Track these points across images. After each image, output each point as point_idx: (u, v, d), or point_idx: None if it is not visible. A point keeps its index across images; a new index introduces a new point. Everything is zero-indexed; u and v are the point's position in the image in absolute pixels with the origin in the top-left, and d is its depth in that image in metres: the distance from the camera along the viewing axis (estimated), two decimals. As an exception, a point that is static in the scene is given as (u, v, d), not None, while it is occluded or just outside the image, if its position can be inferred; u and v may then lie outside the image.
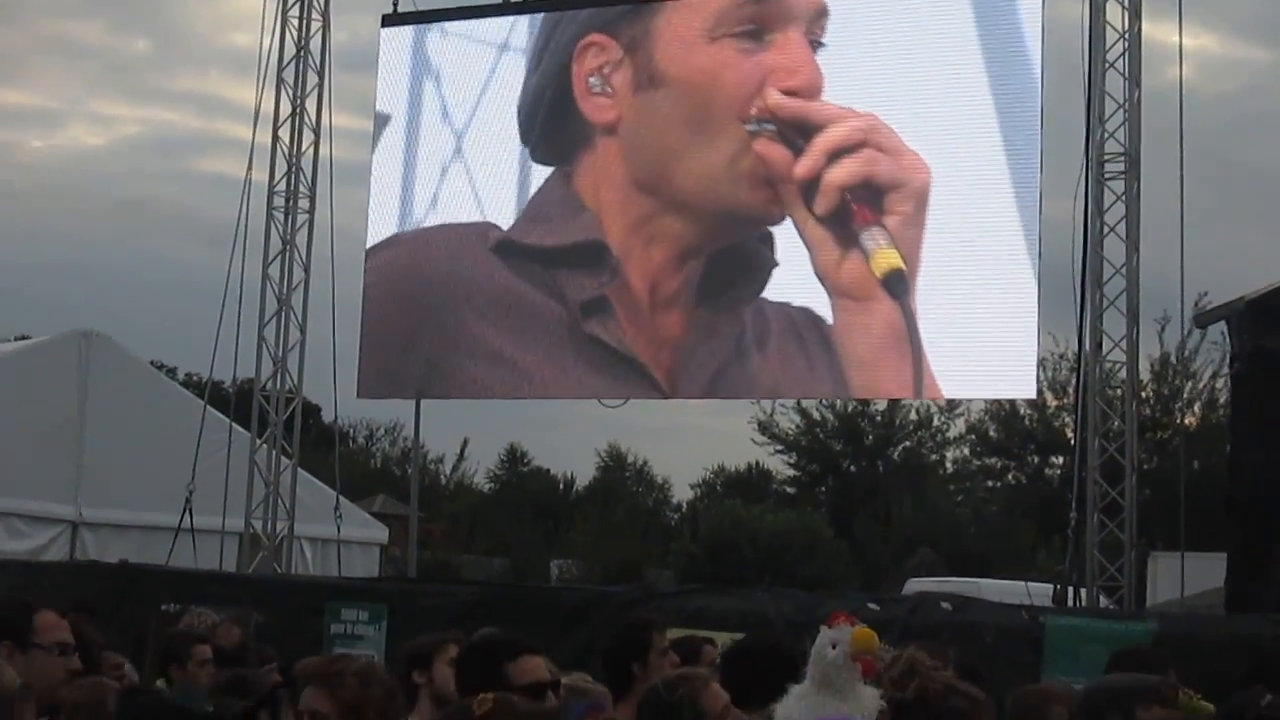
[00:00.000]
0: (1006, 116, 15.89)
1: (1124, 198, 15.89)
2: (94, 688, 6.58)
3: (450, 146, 18.59)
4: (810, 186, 15.96)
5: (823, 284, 16.29)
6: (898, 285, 15.76)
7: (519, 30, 18.32)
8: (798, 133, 16.22)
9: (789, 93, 16.30)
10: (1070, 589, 15.73)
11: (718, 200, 16.82)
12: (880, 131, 15.94)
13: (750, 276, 16.82)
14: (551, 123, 17.80)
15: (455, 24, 18.94)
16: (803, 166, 16.01)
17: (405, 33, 19.13)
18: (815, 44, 16.44)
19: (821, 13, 16.54)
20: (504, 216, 18.02)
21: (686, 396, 18.04)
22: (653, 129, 17.19)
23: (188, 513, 18.70)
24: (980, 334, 15.81)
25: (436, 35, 19.06)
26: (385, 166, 19.03)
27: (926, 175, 15.82)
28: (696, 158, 16.85)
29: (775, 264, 16.57)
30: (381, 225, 18.87)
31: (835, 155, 15.92)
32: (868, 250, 15.71)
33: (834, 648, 5.10)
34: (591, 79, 17.36)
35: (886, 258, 15.67)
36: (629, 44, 17.32)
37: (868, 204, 15.77)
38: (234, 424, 20.54)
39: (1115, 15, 16.16)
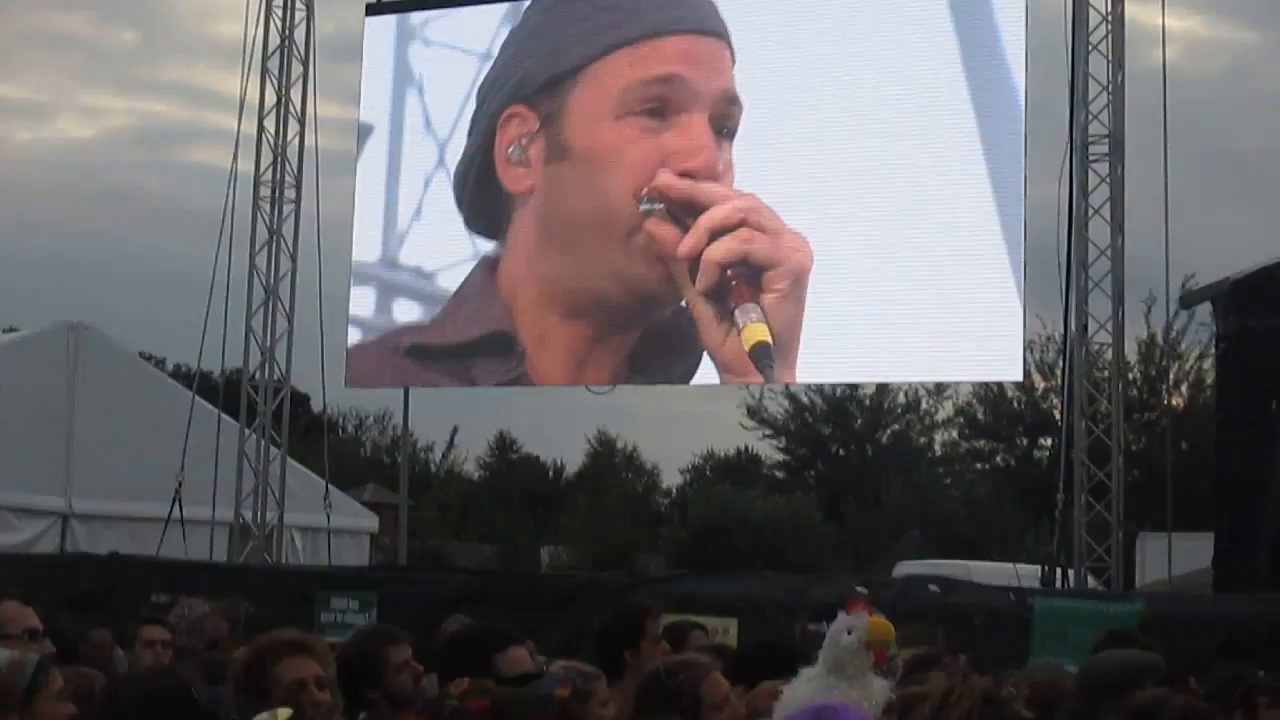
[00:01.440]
0: (990, 99, 15.99)
1: (1108, 180, 15.95)
2: (77, 677, 6.54)
3: (434, 157, 18.71)
4: (694, 264, 16.44)
5: (713, 360, 16.87)
6: (763, 359, 16.27)
7: (500, 38, 18.44)
8: (686, 212, 16.67)
9: (685, 174, 16.74)
10: (1058, 570, 15.80)
11: (619, 276, 17.26)
12: (761, 212, 16.42)
13: (679, 356, 17.33)
14: (479, 191, 18.20)
15: (438, 31, 19.06)
16: (686, 245, 16.51)
17: (388, 41, 19.24)
18: (725, 131, 16.81)
19: (731, 100, 16.89)
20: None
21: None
22: (562, 201, 17.67)
23: (177, 503, 18.73)
24: (967, 317, 15.87)
25: (419, 45, 19.17)
26: (369, 178, 19.16)
27: (806, 256, 16.28)
28: (600, 233, 17.34)
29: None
30: (366, 239, 19.11)
31: (716, 234, 16.39)
32: (739, 324, 16.20)
33: (849, 634, 5.11)
34: (511, 148, 17.80)
35: (754, 332, 16.14)
36: (546, 116, 17.73)
37: (745, 281, 16.25)
38: (223, 414, 20.51)
39: (1098, -2, 16.23)
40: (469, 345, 18.02)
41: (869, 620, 5.11)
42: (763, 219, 16.40)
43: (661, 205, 16.72)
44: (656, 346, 17.40)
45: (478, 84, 18.41)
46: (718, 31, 17.20)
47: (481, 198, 18.15)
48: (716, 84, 17.03)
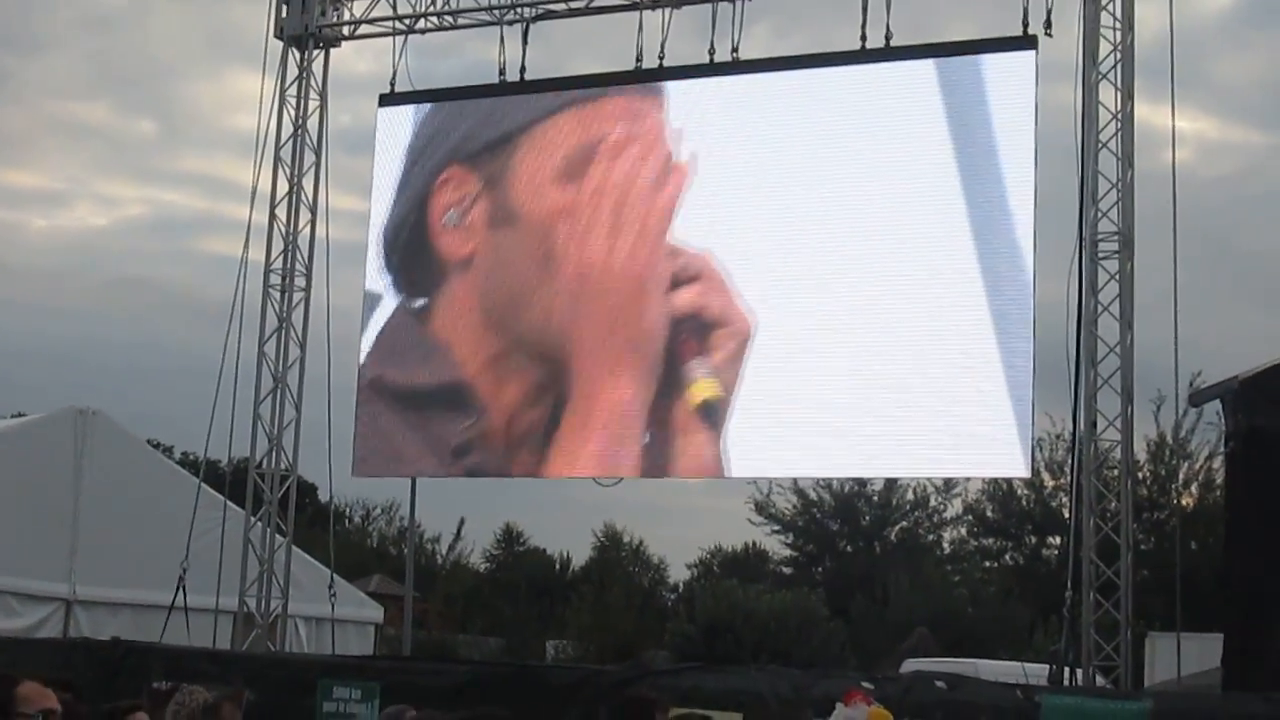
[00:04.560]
0: (1001, 195, 16.01)
1: (1117, 277, 15.93)
2: None
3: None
4: None
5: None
6: (712, 414, 16.57)
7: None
8: None
9: None
10: (1066, 669, 15.66)
11: (561, 342, 17.61)
12: (715, 270, 16.78)
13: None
14: (410, 256, 18.57)
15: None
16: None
17: (402, 131, 19.29)
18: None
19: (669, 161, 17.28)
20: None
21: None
22: (505, 265, 17.98)
23: (181, 590, 18.63)
24: (975, 413, 15.85)
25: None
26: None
27: (749, 325, 16.57)
28: (543, 296, 17.71)
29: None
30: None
31: (674, 286, 16.83)
32: (688, 380, 16.61)
33: (850, 725, 5.09)
34: (449, 213, 18.22)
35: (703, 388, 16.56)
36: (488, 179, 18.14)
37: (694, 337, 16.66)
38: (229, 502, 20.48)
39: (1108, 96, 16.27)
40: (427, 393, 18.28)
41: (868, 711, 5.09)
42: (716, 278, 16.73)
43: None
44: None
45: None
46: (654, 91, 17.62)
47: (413, 263, 18.51)
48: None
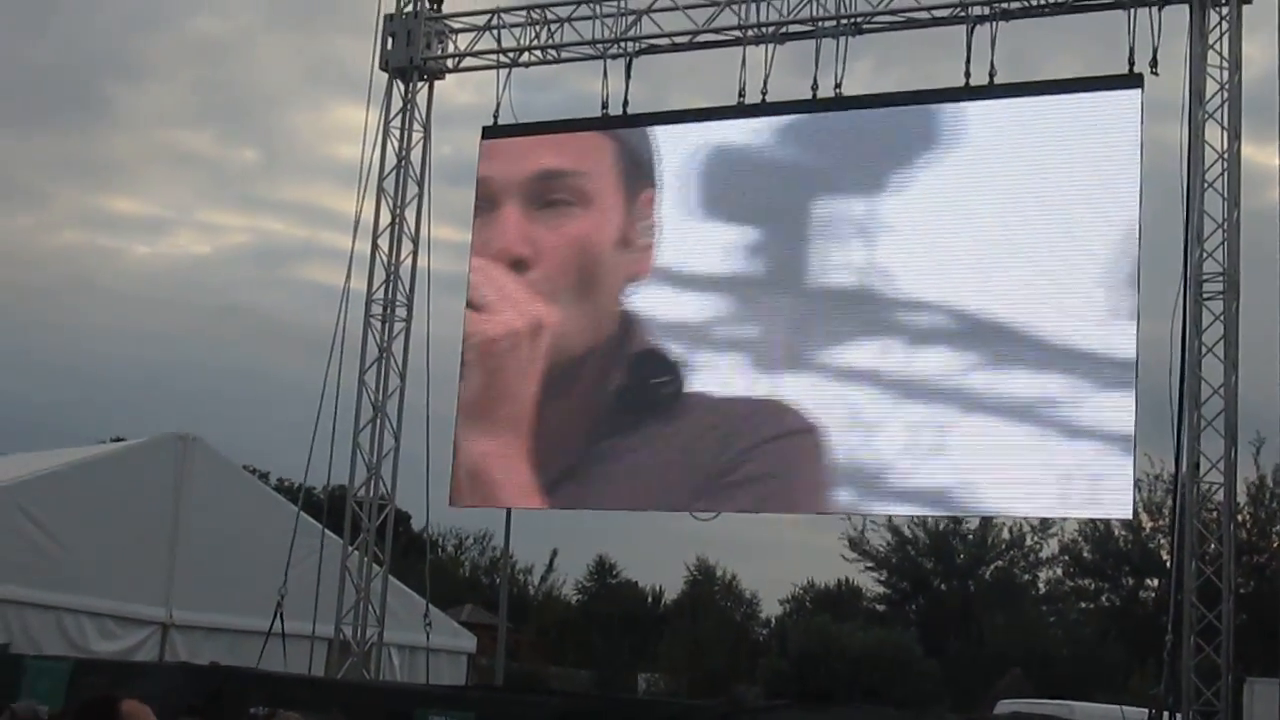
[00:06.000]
0: (1105, 233, 15.93)
1: (1222, 318, 15.75)
2: None
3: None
4: None
5: None
6: None
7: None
8: None
9: None
10: (1166, 713, 15.48)
11: None
12: None
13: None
14: None
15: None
16: None
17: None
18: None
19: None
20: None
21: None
22: None
23: (278, 617, 18.72)
24: (1076, 453, 15.73)
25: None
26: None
27: None
28: None
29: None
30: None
31: None
32: None
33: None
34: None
35: None
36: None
37: None
38: (326, 530, 20.56)
39: (1215, 136, 16.12)
40: None
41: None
42: None
43: None
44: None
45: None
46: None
47: None
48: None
